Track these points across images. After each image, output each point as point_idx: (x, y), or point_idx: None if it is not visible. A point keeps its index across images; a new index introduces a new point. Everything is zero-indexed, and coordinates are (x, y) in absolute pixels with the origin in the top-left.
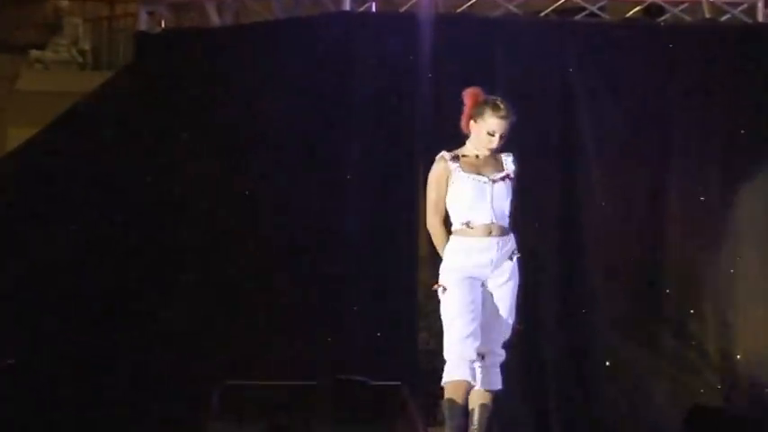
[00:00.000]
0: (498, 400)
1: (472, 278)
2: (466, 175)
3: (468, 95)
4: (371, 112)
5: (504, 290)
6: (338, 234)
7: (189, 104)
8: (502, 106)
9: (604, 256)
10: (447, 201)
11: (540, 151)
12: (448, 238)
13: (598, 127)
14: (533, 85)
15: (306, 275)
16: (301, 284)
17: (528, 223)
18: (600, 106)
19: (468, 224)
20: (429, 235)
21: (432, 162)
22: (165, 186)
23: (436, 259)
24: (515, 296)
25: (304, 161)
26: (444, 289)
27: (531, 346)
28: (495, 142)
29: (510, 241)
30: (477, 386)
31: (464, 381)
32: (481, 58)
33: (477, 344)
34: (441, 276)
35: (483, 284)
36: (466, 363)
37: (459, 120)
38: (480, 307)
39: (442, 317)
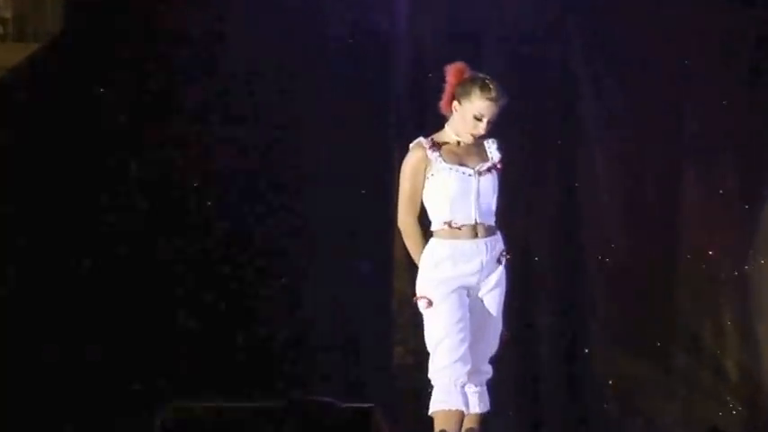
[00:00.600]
0: (487, 422)
1: (460, 289)
2: (448, 166)
3: (452, 72)
4: (338, 89)
5: (492, 297)
6: (295, 232)
7: (128, 78)
8: (492, 86)
9: (607, 258)
10: (424, 196)
11: (535, 139)
12: (425, 241)
13: (601, 112)
14: (527, 64)
15: (254, 280)
16: (251, 289)
17: (520, 220)
18: (604, 88)
19: (450, 224)
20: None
21: (406, 149)
22: (101, 180)
23: (412, 262)
24: (503, 304)
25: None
26: (429, 303)
27: (522, 357)
28: (482, 128)
29: (498, 242)
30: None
31: (457, 410)
32: (467, 30)
33: (467, 368)
34: (421, 287)
35: (468, 293)
36: (457, 389)
37: (438, 100)
38: (469, 324)
39: (426, 336)
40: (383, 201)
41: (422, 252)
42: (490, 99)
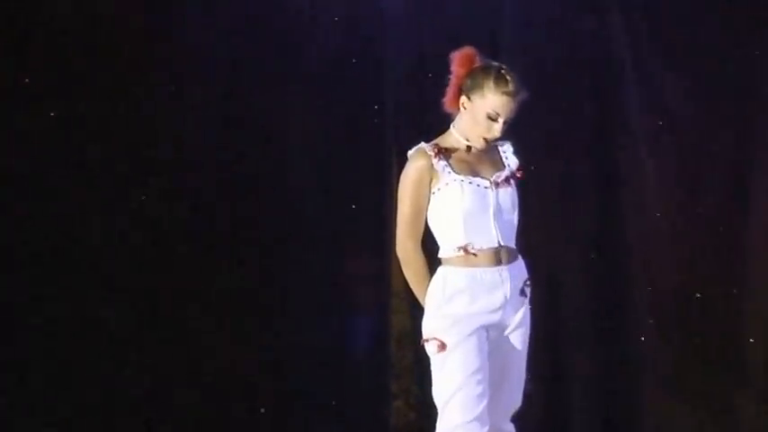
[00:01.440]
0: None
1: (480, 330)
2: (459, 177)
3: (459, 60)
4: (322, 84)
5: (516, 339)
6: (274, 255)
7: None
8: (509, 78)
9: (657, 287)
10: (429, 215)
11: (565, 142)
12: (429, 271)
13: (649, 108)
14: (555, 51)
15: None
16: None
17: (549, 241)
18: (652, 79)
19: (466, 249)
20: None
21: (404, 157)
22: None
23: (413, 296)
24: (527, 345)
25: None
26: (442, 346)
27: (550, 413)
28: (497, 129)
29: (521, 269)
30: None
31: None
32: (480, 10)
33: (485, 429)
34: (431, 326)
35: (488, 334)
36: None
37: (442, 95)
38: (488, 373)
39: (435, 388)
40: (377, 220)
41: (426, 285)
42: (507, 93)
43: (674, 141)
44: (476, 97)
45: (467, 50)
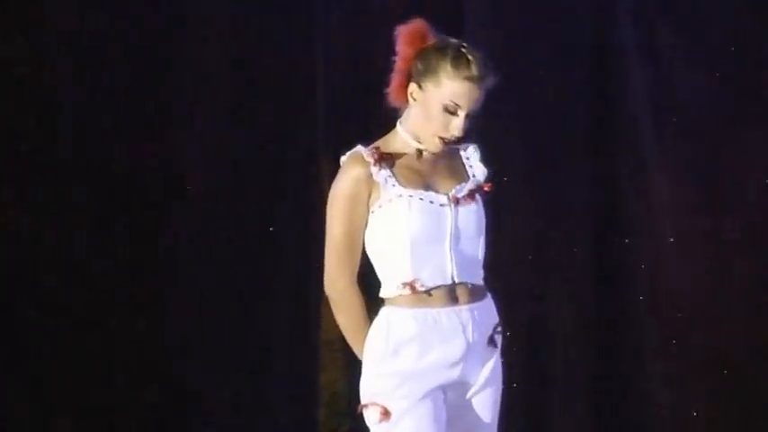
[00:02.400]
0: None
1: (435, 392)
2: (407, 192)
3: (407, 36)
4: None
5: (482, 402)
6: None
7: None
8: (471, 58)
9: (673, 330)
10: (367, 241)
11: (550, 146)
12: (368, 315)
13: (664, 102)
14: (538, 26)
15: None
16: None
17: (525, 274)
18: (665, 70)
19: (413, 286)
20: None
21: (336, 164)
22: None
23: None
24: (498, 409)
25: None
26: (385, 414)
27: None
28: (457, 126)
29: (489, 310)
30: None
31: None
32: None
33: None
34: (370, 388)
35: (446, 396)
36: None
37: (385, 84)
38: None
39: None
40: (301, 246)
41: (364, 333)
42: (470, 78)
43: (693, 144)
44: (429, 85)
45: (416, 24)
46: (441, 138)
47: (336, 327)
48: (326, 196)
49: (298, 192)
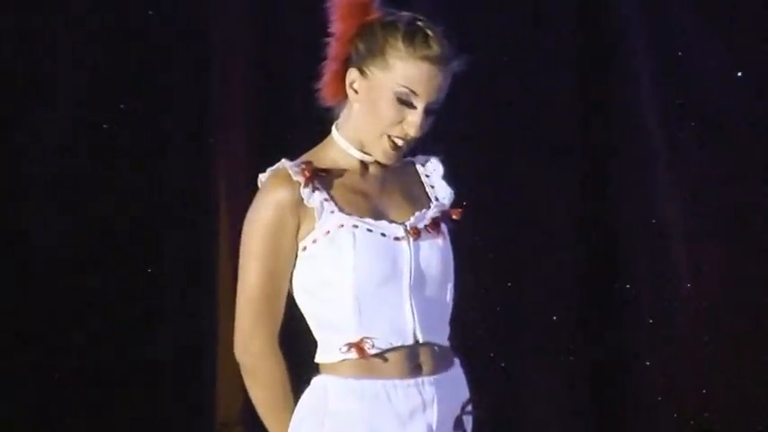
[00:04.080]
0: None
1: None
2: (351, 221)
3: (343, 8)
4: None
5: None
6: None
7: None
8: (431, 33)
9: (688, 382)
10: (298, 289)
11: (538, 155)
12: (292, 388)
13: (670, 94)
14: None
15: None
16: None
17: (499, 326)
18: (664, 68)
19: (360, 347)
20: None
21: (251, 184)
22: None
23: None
24: None
25: None
26: None
27: None
28: (414, 123)
29: (459, 381)
30: None
31: None
32: None
33: None
34: None
35: None
36: None
37: (315, 77)
38: None
39: None
40: (198, 293)
41: (288, 411)
42: (429, 59)
43: (703, 160)
44: (375, 69)
45: None
46: (393, 141)
47: (240, 405)
48: (232, 234)
49: (194, 223)
